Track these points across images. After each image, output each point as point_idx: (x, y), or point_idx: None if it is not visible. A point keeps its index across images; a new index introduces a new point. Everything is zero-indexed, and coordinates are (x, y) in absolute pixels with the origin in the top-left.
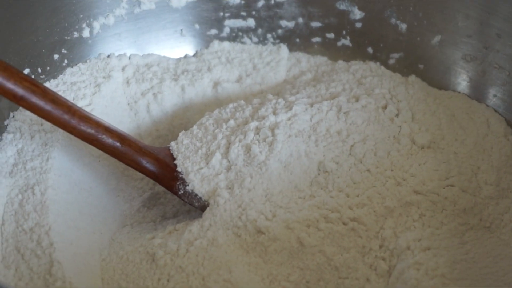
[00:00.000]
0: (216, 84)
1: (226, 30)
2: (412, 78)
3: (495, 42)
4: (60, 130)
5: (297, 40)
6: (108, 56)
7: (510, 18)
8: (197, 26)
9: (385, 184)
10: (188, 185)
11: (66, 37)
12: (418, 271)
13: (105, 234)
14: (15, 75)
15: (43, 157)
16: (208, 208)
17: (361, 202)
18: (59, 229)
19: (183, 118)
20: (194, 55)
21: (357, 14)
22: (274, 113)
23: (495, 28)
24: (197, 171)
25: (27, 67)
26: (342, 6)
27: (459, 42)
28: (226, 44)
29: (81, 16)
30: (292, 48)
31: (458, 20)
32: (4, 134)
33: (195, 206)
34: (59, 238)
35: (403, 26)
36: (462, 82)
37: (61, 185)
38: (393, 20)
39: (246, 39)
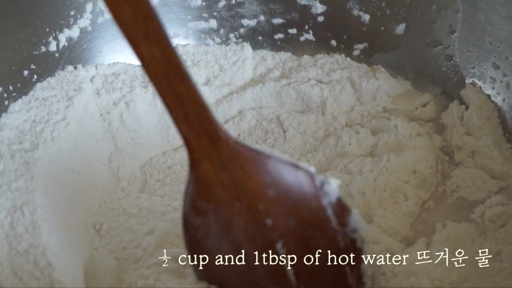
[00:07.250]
0: None
1: (189, 32)
2: (378, 67)
3: (460, 27)
4: (40, 147)
5: (260, 38)
6: (75, 68)
7: (474, 3)
8: None
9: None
10: None
11: (34, 52)
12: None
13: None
14: None
15: (27, 176)
16: None
17: None
18: (54, 248)
19: (157, 125)
20: None
21: (319, 8)
22: None
23: (459, 12)
24: None
25: None
26: (303, 1)
27: (424, 29)
28: (189, 47)
29: (47, 29)
30: (255, 46)
31: (422, 7)
32: None
33: None
34: (56, 257)
35: (366, 17)
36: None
37: (49, 203)
38: (355, 12)
39: (209, 40)
